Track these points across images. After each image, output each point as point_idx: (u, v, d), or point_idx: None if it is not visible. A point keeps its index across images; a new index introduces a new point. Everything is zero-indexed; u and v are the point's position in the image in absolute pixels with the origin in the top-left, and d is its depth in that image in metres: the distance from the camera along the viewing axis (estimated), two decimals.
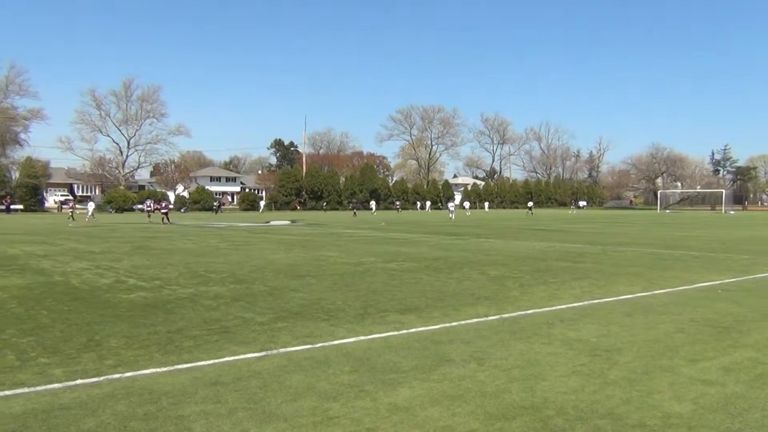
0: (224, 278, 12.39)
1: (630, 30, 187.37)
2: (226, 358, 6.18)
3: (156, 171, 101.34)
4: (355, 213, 63.80)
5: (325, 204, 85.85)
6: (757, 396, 5.06)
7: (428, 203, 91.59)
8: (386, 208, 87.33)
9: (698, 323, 7.97)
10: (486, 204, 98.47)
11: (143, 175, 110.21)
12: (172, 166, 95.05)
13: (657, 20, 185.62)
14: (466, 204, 78.77)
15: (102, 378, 5.50)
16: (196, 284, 11.56)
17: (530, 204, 75.33)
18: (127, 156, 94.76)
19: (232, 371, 5.73)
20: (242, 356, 6.27)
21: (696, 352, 6.48)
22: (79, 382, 5.38)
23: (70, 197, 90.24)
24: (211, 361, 6.06)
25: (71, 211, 47.89)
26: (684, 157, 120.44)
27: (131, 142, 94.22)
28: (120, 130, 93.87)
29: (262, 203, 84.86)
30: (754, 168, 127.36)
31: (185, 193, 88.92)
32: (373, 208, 78.57)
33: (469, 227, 36.05)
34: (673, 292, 10.75)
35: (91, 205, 52.26)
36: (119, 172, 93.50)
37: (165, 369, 5.80)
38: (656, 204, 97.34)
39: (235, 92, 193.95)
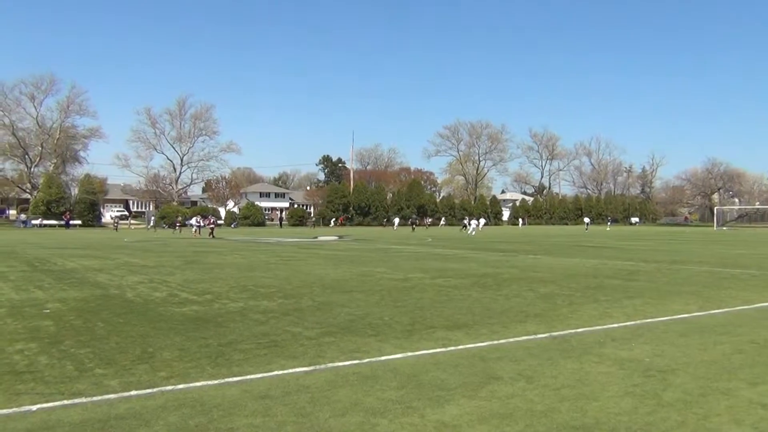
0: (273, 293, 12.56)
1: (681, 44, 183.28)
2: (275, 372, 6.25)
3: (208, 187, 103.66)
4: (413, 228, 64.18)
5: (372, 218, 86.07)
6: None
7: (442, 220, 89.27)
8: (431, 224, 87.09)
9: (758, 345, 7.67)
10: (520, 221, 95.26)
11: (195, 191, 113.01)
12: (224, 183, 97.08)
13: (708, 34, 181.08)
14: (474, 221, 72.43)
15: (155, 389, 5.63)
16: (246, 298, 11.75)
17: (587, 220, 75.53)
18: (180, 172, 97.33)
19: (281, 385, 5.79)
20: (291, 370, 6.33)
21: (756, 374, 6.24)
22: (133, 393, 5.53)
23: (126, 213, 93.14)
24: (261, 375, 6.14)
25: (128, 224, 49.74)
26: (742, 173, 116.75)
27: (184, 159, 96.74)
28: (174, 148, 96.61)
29: (333, 221, 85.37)
30: None
31: (236, 209, 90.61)
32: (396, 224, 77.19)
33: (517, 243, 35.63)
34: (731, 312, 10.39)
35: (152, 219, 54.23)
36: (173, 188, 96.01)
37: (216, 382, 5.91)
38: (712, 221, 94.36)
39: (285, 109, 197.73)
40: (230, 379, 5.99)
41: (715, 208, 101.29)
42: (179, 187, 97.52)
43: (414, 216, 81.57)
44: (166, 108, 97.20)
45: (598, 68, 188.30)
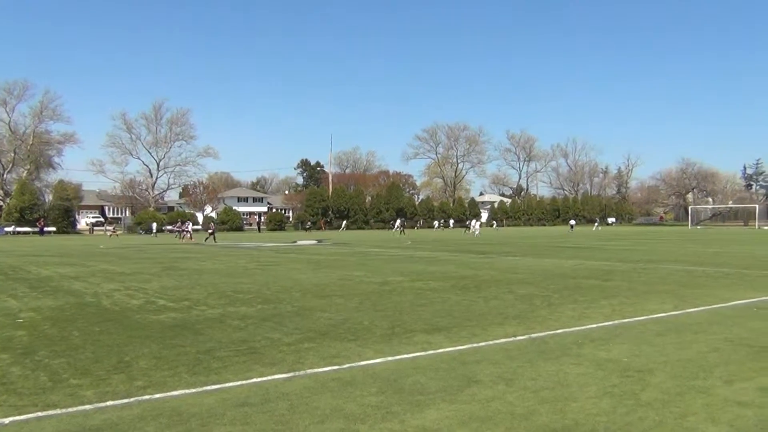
0: (252, 298, 12.47)
1: (657, 44, 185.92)
2: (254, 380, 6.19)
3: (185, 192, 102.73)
4: (402, 231, 64.60)
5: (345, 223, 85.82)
6: None
7: (436, 222, 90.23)
8: (411, 227, 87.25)
9: (733, 342, 7.78)
10: (494, 223, 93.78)
11: (172, 197, 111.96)
12: (201, 188, 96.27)
13: (684, 34, 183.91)
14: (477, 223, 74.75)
15: (132, 399, 5.55)
16: (224, 305, 11.65)
17: (572, 222, 77.32)
18: (156, 178, 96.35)
19: (260, 392, 5.74)
20: (270, 377, 6.28)
21: (731, 372, 6.33)
22: (109, 403, 5.44)
23: (101, 219, 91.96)
24: (239, 382, 6.08)
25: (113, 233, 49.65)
26: (715, 172, 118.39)
27: (161, 164, 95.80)
28: (150, 153, 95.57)
29: (344, 223, 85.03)
30: None
31: (213, 214, 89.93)
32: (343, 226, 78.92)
33: (496, 245, 35.81)
34: (707, 310, 10.54)
35: (153, 225, 54.63)
36: (149, 193, 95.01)
37: (193, 390, 5.84)
38: (687, 220, 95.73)
39: (263, 114, 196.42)
40: (208, 387, 5.92)
41: (690, 207, 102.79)
42: (156, 192, 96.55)
43: (402, 219, 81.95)
44: (141, 113, 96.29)
45: (574, 70, 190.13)
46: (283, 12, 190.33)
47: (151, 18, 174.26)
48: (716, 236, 49.99)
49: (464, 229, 70.11)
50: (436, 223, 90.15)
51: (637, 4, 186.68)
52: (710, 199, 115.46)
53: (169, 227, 74.47)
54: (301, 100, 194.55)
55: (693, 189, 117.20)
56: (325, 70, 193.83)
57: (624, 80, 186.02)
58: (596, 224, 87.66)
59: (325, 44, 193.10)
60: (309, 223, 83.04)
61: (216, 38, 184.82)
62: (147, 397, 5.62)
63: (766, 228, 77.13)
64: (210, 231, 47.52)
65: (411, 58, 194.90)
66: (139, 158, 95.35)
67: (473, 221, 64.83)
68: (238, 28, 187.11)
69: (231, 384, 6.04)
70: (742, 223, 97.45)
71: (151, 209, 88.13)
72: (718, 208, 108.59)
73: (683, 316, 9.89)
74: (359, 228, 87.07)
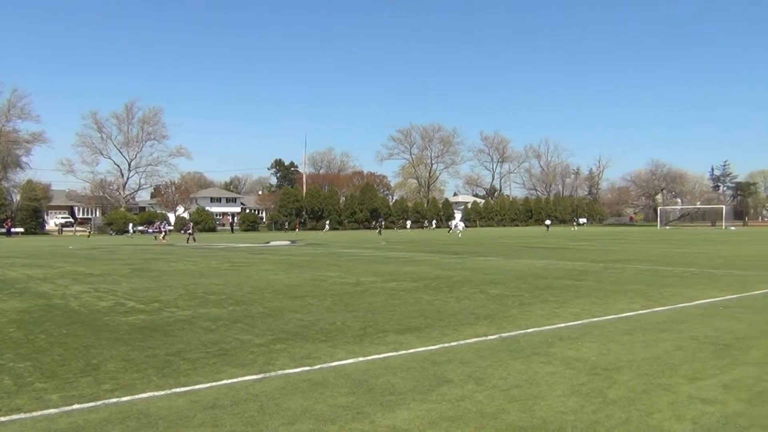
0: (223, 300, 12.37)
1: (628, 49, 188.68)
2: (224, 381, 6.15)
3: (156, 192, 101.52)
4: (380, 232, 65.14)
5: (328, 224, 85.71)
6: (758, 414, 5.03)
7: (408, 222, 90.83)
8: (386, 228, 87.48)
9: (698, 341, 7.94)
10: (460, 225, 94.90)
11: (144, 197, 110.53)
12: (173, 188, 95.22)
13: (653, 39, 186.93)
14: (461, 223, 77.28)
15: (99, 402, 5.47)
16: (195, 306, 11.54)
17: (548, 222, 79.01)
18: (128, 178, 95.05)
19: (230, 394, 5.71)
20: (240, 379, 6.24)
21: (696, 370, 6.45)
22: (75, 407, 5.36)
23: (71, 220, 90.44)
24: (209, 384, 6.04)
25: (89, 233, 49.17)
26: (684, 173, 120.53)
27: (132, 164, 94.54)
28: (121, 153, 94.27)
29: (327, 223, 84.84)
30: (754, 183, 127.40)
31: (186, 215, 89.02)
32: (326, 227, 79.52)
33: (470, 245, 36.01)
34: (673, 309, 10.73)
35: (130, 225, 54.39)
36: (120, 194, 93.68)
37: (162, 393, 5.78)
38: (656, 220, 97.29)
39: (236, 113, 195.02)
40: (177, 390, 5.87)
41: (659, 208, 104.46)
42: (127, 192, 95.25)
43: (380, 219, 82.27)
44: (113, 112, 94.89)
45: (547, 73, 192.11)
46: (256, 11, 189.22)
47: (123, 16, 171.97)
48: (684, 236, 50.90)
49: (447, 228, 71.60)
50: (426, 222, 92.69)
51: (607, 10, 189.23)
52: (679, 200, 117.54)
53: (140, 228, 73.62)
54: (276, 100, 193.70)
55: (662, 190, 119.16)
56: (299, 70, 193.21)
57: (595, 83, 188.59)
58: (575, 224, 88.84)
59: (299, 44, 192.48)
60: (287, 223, 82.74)
61: (189, 37, 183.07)
62: (114, 400, 5.55)
63: (732, 228, 78.77)
64: (189, 231, 47.12)
65: (385, 59, 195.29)
66: (109, 158, 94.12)
67: (457, 222, 66.50)
68: (211, 28, 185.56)
69: (201, 386, 5.99)
70: (710, 224, 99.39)
71: (122, 209, 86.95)
72: (687, 208, 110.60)
73: (650, 315, 10.05)
74: (333, 228, 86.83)
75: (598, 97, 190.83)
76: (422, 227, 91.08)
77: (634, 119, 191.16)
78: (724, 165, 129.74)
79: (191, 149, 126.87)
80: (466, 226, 76.61)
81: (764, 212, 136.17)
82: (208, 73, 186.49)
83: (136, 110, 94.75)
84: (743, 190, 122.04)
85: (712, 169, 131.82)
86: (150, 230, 67.14)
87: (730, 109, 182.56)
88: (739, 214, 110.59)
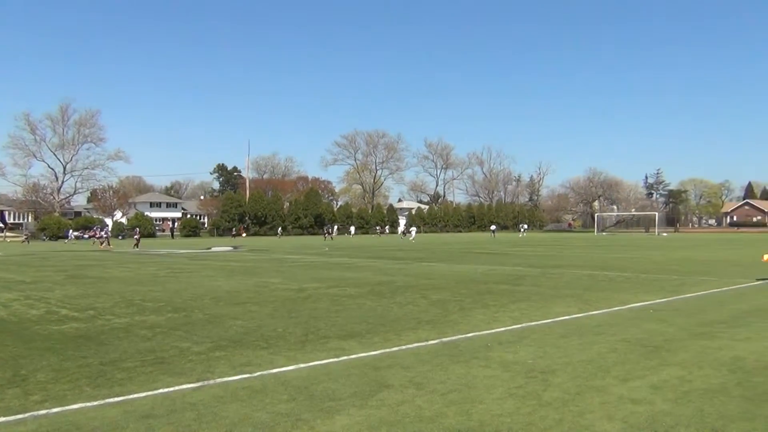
0: (161, 307, 12.10)
1: (565, 56, 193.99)
2: (160, 390, 6.02)
3: (93, 197, 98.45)
4: (330, 237, 65.10)
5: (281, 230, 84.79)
6: (682, 413, 5.24)
7: (352, 228, 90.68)
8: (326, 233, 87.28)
9: (629, 343, 8.22)
10: (413, 230, 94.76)
11: (80, 201, 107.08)
12: (110, 192, 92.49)
13: (590, 51, 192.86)
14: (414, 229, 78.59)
15: (27, 415, 5.27)
16: (132, 313, 11.24)
17: (493, 228, 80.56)
18: (62, 182, 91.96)
19: (166, 403, 5.59)
20: (177, 387, 6.12)
21: (627, 371, 6.68)
22: (1, 420, 5.14)
23: (1, 225, 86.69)
24: (144, 394, 5.89)
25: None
26: (619, 181, 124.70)
27: (67, 167, 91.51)
28: (56, 155, 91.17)
29: (280, 230, 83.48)
30: (685, 191, 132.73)
31: (124, 220, 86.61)
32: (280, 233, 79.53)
33: (413, 251, 36.28)
34: (607, 312, 11.08)
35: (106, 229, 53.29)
36: (54, 198, 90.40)
37: (95, 403, 5.60)
38: (594, 227, 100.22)
39: (178, 116, 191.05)
40: (111, 400, 5.70)
41: (596, 214, 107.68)
42: (61, 197, 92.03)
43: (329, 225, 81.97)
44: (46, 113, 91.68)
45: (488, 82, 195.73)
46: (197, 14, 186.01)
47: (58, 17, 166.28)
48: (620, 242, 52.59)
49: (401, 234, 72.90)
50: (378, 228, 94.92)
51: (544, 20, 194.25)
52: (615, 207, 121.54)
53: (75, 233, 71.21)
54: (218, 104, 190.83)
55: (599, 197, 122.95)
56: (242, 74, 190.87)
57: (535, 91, 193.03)
58: (523, 230, 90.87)
59: (242, 48, 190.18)
60: (234, 228, 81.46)
61: (128, 40, 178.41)
62: (44, 411, 5.36)
63: (665, 234, 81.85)
64: (137, 237, 45.87)
65: (330, 64, 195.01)
66: (43, 161, 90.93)
67: (411, 228, 67.95)
68: (151, 31, 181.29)
69: (135, 395, 5.85)
70: (644, 230, 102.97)
71: (56, 214, 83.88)
72: (622, 215, 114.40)
73: (586, 319, 10.36)
74: (276, 234, 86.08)
75: (538, 105, 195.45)
76: (376, 233, 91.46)
77: (572, 127, 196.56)
78: (657, 173, 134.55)
79: (130, 153, 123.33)
80: (404, 231, 77.65)
81: (694, 219, 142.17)
82: (147, 75, 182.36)
83: (72, 112, 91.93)
84: (675, 197, 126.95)
85: (646, 177, 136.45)
86: (86, 236, 64.89)
87: (663, 119, 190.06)
88: (671, 220, 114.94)
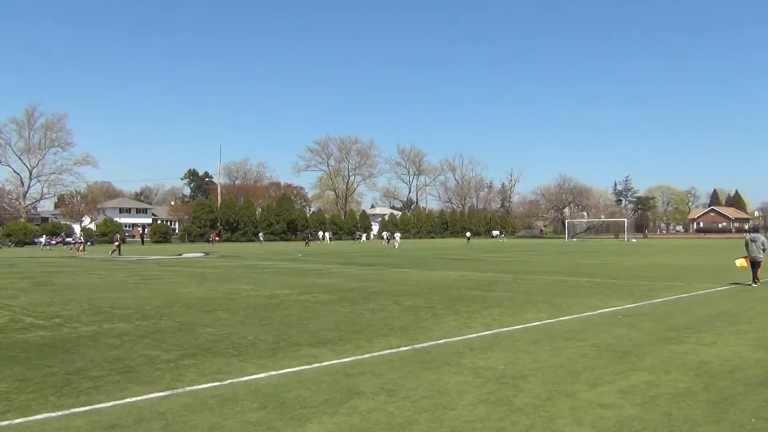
0: (130, 314, 11.91)
1: (535, 65, 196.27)
2: (128, 399, 5.92)
3: (61, 202, 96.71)
4: (307, 243, 64.88)
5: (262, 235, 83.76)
6: (650, 417, 5.32)
7: (327, 234, 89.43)
8: (302, 239, 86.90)
9: (599, 348, 8.32)
10: (363, 236, 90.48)
11: (47, 207, 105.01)
12: (78, 198, 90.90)
13: (559, 59, 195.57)
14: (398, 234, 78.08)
15: None
16: (100, 321, 11.05)
17: (468, 234, 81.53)
18: (29, 187, 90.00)
19: (134, 413, 5.49)
20: (145, 396, 6.02)
21: (596, 376, 6.76)
22: None
23: None
24: (111, 403, 5.79)
25: None
26: (589, 188, 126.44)
27: (34, 172, 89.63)
28: (21, 160, 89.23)
29: (261, 235, 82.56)
30: (653, 198, 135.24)
31: (92, 226, 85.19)
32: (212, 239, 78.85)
33: (386, 257, 36.29)
34: (578, 318, 11.19)
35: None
36: (20, 203, 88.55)
37: (60, 413, 5.49)
38: (565, 233, 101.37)
39: (148, 121, 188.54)
40: (77, 410, 5.59)
41: (567, 221, 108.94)
42: (27, 202, 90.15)
43: (308, 230, 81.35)
44: (12, 117, 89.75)
45: (460, 89, 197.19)
46: (166, 20, 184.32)
47: (26, 18, 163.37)
48: (590, 248, 53.23)
49: (384, 240, 73.82)
50: (357, 234, 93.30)
51: (520, 31, 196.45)
52: (585, 213, 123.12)
53: (41, 240, 69.81)
54: (189, 109, 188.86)
55: (570, 203, 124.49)
56: (213, 78, 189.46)
57: (506, 99, 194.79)
58: (501, 235, 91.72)
59: (213, 51, 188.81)
60: (210, 237, 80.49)
61: (96, 43, 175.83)
62: (6, 423, 5.23)
63: (634, 241, 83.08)
64: (117, 243, 44.80)
65: (301, 69, 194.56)
66: (8, 165, 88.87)
67: (396, 234, 68.95)
68: (120, 34, 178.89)
69: (102, 405, 5.74)
70: (613, 236, 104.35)
71: (22, 220, 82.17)
72: (592, 221, 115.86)
73: (556, 324, 10.45)
74: (249, 240, 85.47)
75: (509, 112, 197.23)
76: (354, 239, 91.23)
77: (543, 134, 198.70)
78: (626, 180, 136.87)
79: (99, 158, 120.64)
80: (388, 237, 77.43)
81: (662, 225, 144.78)
82: (115, 79, 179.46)
83: (38, 115, 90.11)
84: (643, 204, 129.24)
85: (615, 184, 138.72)
86: (53, 242, 63.63)
87: (631, 126, 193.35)
88: (640, 227, 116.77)
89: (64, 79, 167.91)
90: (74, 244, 52.40)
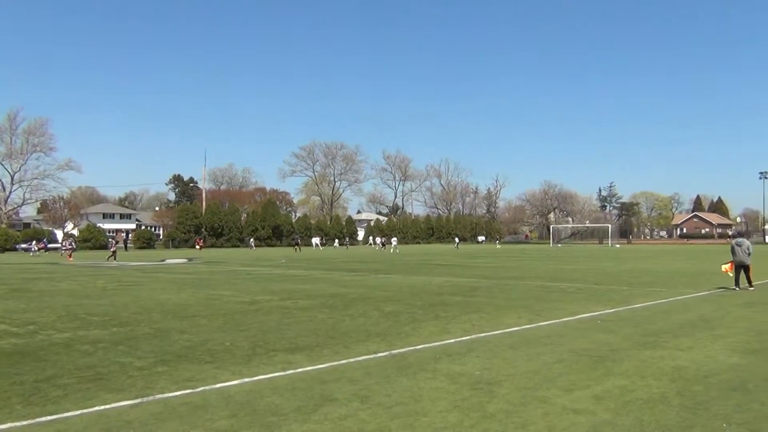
0: (107, 321, 11.75)
1: (519, 71, 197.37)
2: (96, 408, 5.81)
3: (43, 208, 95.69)
4: (298, 249, 64.67)
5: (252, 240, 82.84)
6: (623, 423, 5.30)
7: (317, 239, 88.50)
8: (289, 245, 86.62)
9: (576, 353, 8.31)
10: (394, 241, 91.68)
11: (29, 213, 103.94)
12: (61, 203, 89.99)
13: (543, 65, 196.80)
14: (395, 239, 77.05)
15: None
16: (75, 328, 10.88)
17: (457, 240, 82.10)
18: (10, 192, 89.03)
19: (101, 421, 5.39)
20: (114, 405, 5.91)
21: (571, 381, 6.74)
22: None
23: None
24: (79, 412, 5.68)
25: None
26: (574, 194, 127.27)
27: (15, 177, 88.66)
28: (3, 165, 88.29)
29: (252, 240, 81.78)
30: (637, 204, 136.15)
31: (75, 231, 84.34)
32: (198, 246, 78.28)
33: (371, 263, 36.22)
34: (557, 323, 11.19)
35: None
36: (1, 209, 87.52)
37: (25, 422, 5.37)
38: (549, 238, 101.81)
39: (132, 126, 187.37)
40: (43, 419, 5.48)
41: (552, 226, 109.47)
42: (9, 207, 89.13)
43: (296, 236, 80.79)
44: None
45: (445, 94, 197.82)
46: (150, 23, 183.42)
47: (8, 21, 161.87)
48: (574, 253, 53.51)
49: (377, 246, 74.76)
50: (371, 239, 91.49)
51: (503, 36, 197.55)
52: (570, 219, 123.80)
53: (22, 246, 69.04)
54: (174, 114, 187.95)
55: (554, 209, 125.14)
56: (198, 83, 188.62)
57: (492, 105, 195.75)
58: (497, 241, 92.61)
59: (198, 56, 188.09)
60: (198, 243, 79.80)
61: (80, 46, 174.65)
62: None
63: (617, 246, 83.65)
64: (113, 249, 44.39)
65: (287, 74, 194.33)
66: None
67: (393, 239, 70.23)
68: (103, 37, 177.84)
69: (69, 414, 5.63)
70: (598, 242, 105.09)
71: (4, 226, 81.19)
72: (577, 227, 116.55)
73: (535, 330, 10.44)
74: (234, 246, 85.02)
75: (493, 118, 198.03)
76: (345, 245, 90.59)
77: (528, 140, 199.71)
78: (610, 186, 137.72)
79: (82, 163, 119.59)
80: (384, 243, 77.19)
81: (646, 231, 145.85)
82: (100, 83, 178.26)
83: (20, 120, 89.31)
84: (627, 210, 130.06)
85: (600, 190, 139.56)
86: (34, 248, 62.85)
87: (615, 132, 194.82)
88: (624, 232, 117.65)
89: (47, 84, 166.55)
90: (65, 249, 51.79)
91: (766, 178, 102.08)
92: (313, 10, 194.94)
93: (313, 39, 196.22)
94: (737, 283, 17.36)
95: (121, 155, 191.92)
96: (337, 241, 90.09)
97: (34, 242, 63.66)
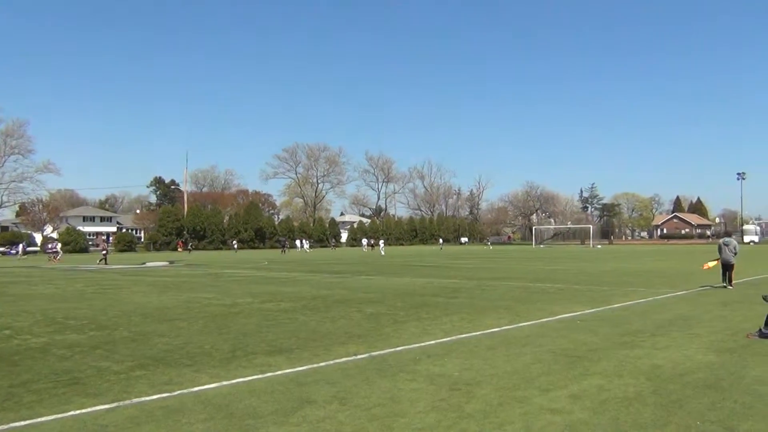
0: (84, 325, 11.63)
1: (499, 72, 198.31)
2: (72, 412, 5.75)
3: (22, 211, 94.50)
4: (284, 251, 64.55)
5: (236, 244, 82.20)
6: (599, 422, 5.34)
7: (305, 242, 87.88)
8: (271, 247, 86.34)
9: (555, 353, 8.36)
10: (305, 243, 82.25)
11: (7, 216, 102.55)
12: (40, 206, 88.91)
13: (524, 66, 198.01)
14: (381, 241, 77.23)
15: None
16: (52, 332, 10.76)
17: (441, 241, 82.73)
18: None
19: (76, 426, 5.34)
20: (90, 409, 5.86)
21: (549, 381, 6.78)
22: None
23: None
24: (54, 417, 5.62)
25: None
26: (555, 195, 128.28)
27: None
28: None
29: (236, 243, 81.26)
30: (618, 205, 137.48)
31: (54, 234, 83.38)
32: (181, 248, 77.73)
33: (354, 265, 36.19)
34: (536, 324, 11.26)
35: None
36: None
37: None
38: (532, 239, 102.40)
39: (112, 128, 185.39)
40: (16, 424, 5.42)
41: (534, 227, 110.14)
42: None
43: (283, 238, 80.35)
44: None
45: (427, 96, 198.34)
46: (130, 24, 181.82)
47: None
48: (556, 254, 53.86)
49: (369, 247, 75.04)
50: (364, 241, 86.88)
51: (483, 37, 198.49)
52: (552, 220, 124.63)
53: (18, 249, 68.16)
54: (155, 116, 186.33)
55: (537, 210, 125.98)
56: (179, 84, 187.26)
57: (473, 107, 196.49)
58: (488, 242, 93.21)
59: (179, 57, 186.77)
60: (189, 244, 79.13)
61: (58, 47, 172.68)
62: None
63: (599, 247, 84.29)
64: (104, 252, 43.93)
65: (269, 75, 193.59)
66: None
67: (381, 241, 70.56)
68: (83, 39, 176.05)
69: (44, 419, 5.57)
70: (580, 242, 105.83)
71: None
72: (559, 228, 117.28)
73: (515, 330, 10.49)
74: (216, 249, 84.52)
75: (477, 120, 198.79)
76: (330, 247, 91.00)
77: (510, 142, 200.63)
78: (592, 187, 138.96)
79: (61, 166, 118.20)
80: (372, 244, 77.30)
81: (627, 231, 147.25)
82: (79, 84, 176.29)
83: None
84: (608, 210, 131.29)
85: (581, 191, 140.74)
86: (12, 251, 62.10)
87: (596, 133, 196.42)
88: (606, 233, 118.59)
89: (25, 85, 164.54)
90: (52, 252, 51.20)
91: (743, 179, 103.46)
92: (294, 12, 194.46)
93: (295, 40, 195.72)
94: (726, 281, 17.80)
95: (101, 158, 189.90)
96: (333, 242, 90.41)
97: (21, 246, 62.82)
